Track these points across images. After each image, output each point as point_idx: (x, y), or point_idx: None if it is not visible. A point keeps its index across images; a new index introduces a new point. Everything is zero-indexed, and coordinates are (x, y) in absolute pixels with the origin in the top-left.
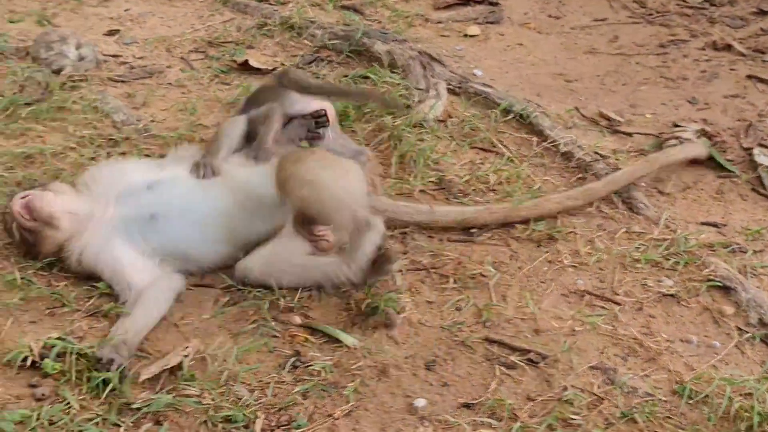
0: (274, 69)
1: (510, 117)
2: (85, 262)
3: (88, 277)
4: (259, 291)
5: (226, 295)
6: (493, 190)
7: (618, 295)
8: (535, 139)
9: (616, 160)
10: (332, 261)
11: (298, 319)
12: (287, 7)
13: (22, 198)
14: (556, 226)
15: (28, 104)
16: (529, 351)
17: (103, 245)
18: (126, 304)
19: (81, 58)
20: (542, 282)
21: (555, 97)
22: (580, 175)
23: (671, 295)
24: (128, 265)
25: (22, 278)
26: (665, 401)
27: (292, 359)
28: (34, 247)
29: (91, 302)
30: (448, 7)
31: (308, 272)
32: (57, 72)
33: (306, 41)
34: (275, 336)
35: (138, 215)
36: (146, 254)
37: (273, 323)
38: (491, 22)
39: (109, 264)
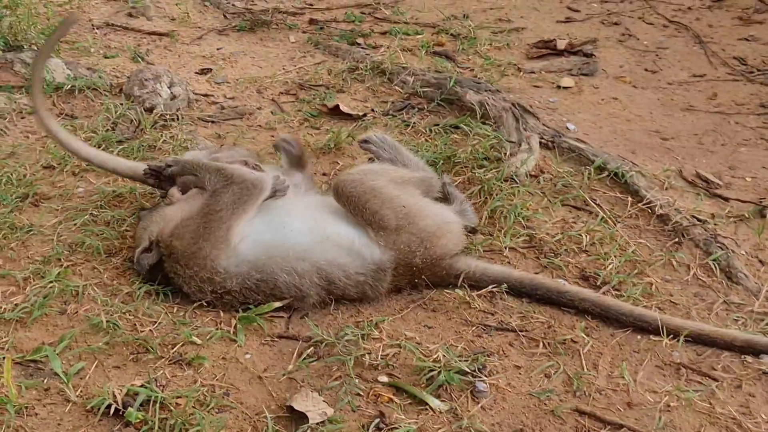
0: (364, 115)
1: (604, 175)
2: None
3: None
4: (344, 346)
5: (310, 347)
6: (585, 251)
7: (716, 370)
8: (629, 198)
9: (715, 225)
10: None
11: (383, 378)
12: (379, 52)
13: None
14: (652, 292)
15: (120, 142)
16: (621, 426)
17: None
18: None
19: (173, 97)
20: (636, 352)
21: (650, 156)
22: (676, 240)
23: None
24: None
25: (107, 321)
26: None
27: (376, 420)
28: None
29: (175, 349)
30: (541, 57)
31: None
32: (149, 110)
33: (397, 87)
34: (359, 394)
35: None
36: None
37: (357, 380)
38: (585, 74)
39: None
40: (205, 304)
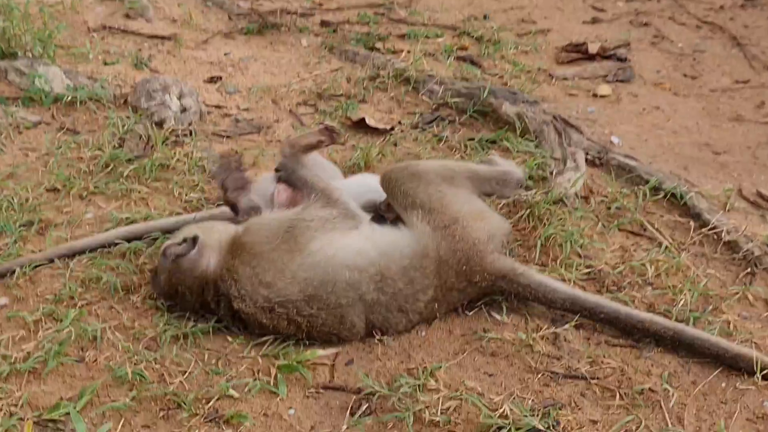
0: (392, 128)
1: (660, 196)
2: None
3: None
4: (400, 399)
5: (361, 400)
6: (651, 284)
7: None
8: (691, 223)
9: None
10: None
11: None
12: (400, 57)
13: None
14: (730, 331)
15: (129, 161)
16: None
17: None
18: None
19: (184, 110)
20: (722, 402)
21: (704, 172)
22: (748, 270)
23: None
24: None
25: (133, 372)
26: None
27: None
28: None
29: (210, 405)
30: (572, 62)
31: None
32: (159, 124)
33: (424, 97)
34: None
35: None
36: None
37: None
38: (622, 81)
39: None
40: (237, 347)
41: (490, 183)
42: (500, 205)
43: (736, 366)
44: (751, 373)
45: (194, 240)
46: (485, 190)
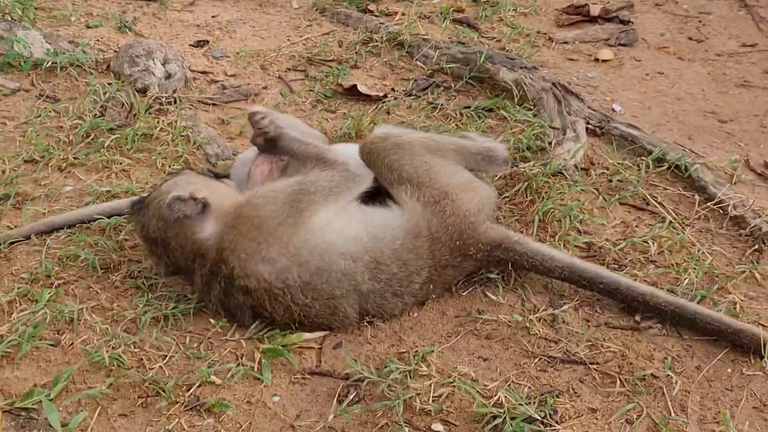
0: (384, 95)
1: (664, 167)
2: None
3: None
4: (390, 386)
5: (349, 387)
6: (654, 262)
7: None
8: (696, 196)
9: None
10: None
11: (438, 426)
12: (394, 20)
13: None
14: (736, 312)
15: (111, 130)
16: None
17: None
18: None
19: (168, 76)
20: (728, 389)
21: (709, 141)
22: (755, 247)
23: None
24: None
25: (110, 356)
26: None
27: None
28: None
29: (191, 392)
30: (573, 24)
31: None
32: (142, 91)
33: (418, 62)
34: None
35: None
36: None
37: (407, 429)
38: (624, 45)
39: None
40: (219, 330)
41: (476, 159)
42: (496, 177)
43: (738, 342)
44: (756, 352)
45: (205, 206)
46: (470, 165)
